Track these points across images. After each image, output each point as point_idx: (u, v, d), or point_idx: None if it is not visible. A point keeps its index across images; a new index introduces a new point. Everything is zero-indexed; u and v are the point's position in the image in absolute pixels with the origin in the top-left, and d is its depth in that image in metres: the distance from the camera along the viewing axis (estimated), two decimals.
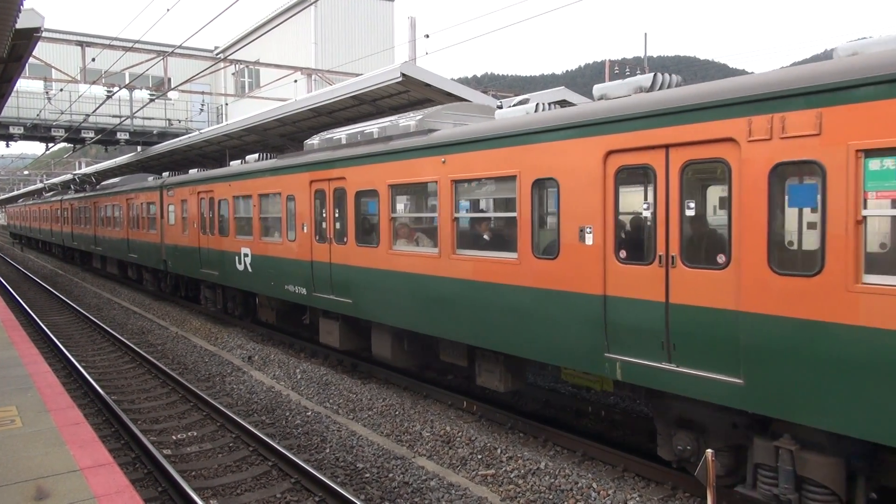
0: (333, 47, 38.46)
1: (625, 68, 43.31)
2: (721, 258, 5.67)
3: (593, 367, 6.82)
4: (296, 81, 29.48)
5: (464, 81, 27.65)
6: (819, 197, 5.00)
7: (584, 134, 6.70)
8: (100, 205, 26.88)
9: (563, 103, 8.18)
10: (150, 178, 22.48)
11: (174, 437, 8.77)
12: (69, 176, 40.17)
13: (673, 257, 5.95)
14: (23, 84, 24.07)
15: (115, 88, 24.00)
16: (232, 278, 14.98)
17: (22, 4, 9.81)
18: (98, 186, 29.66)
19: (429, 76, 13.49)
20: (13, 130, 27.53)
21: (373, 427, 9.09)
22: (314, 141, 12.12)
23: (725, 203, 5.67)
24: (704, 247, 6.07)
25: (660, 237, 6.04)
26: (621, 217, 6.60)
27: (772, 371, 5.28)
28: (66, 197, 34.61)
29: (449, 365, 10.17)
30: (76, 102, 25.99)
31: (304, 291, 11.93)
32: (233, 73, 42.68)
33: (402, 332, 9.97)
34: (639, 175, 6.40)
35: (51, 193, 42.35)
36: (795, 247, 5.77)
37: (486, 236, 8.59)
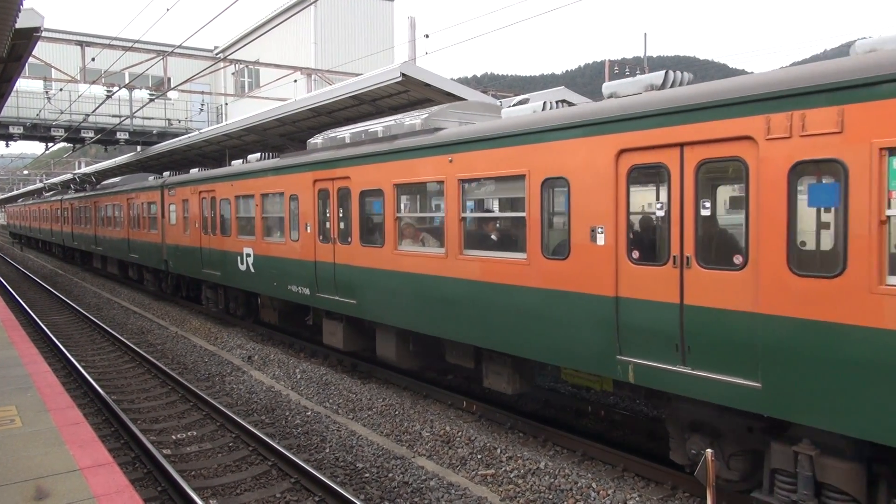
0: (333, 47, 38.44)
1: (625, 68, 43.29)
2: (738, 259, 5.56)
3: (605, 370, 6.71)
4: (295, 81, 29.48)
5: (464, 81, 27.64)
6: (841, 196, 4.88)
7: (596, 132, 6.59)
8: (100, 204, 26.86)
9: (563, 103, 8.12)
10: (151, 178, 22.44)
11: (174, 437, 8.76)
12: (69, 175, 40.16)
13: (688, 258, 5.84)
14: (22, 84, 24.07)
15: (115, 88, 24.00)
16: (234, 279, 14.93)
17: (22, 4, 9.81)
18: (98, 186, 29.64)
19: (429, 76, 13.49)
20: (13, 130, 27.54)
21: (372, 427, 9.09)
22: (317, 140, 12.05)
23: (742, 202, 5.56)
24: (720, 247, 5.98)
25: (674, 237, 5.93)
26: (634, 217, 6.50)
27: (791, 374, 5.17)
28: (66, 196, 34.59)
29: (449, 365, 10.16)
30: (76, 102, 25.98)
31: (307, 292, 11.87)
32: (232, 73, 42.66)
33: (407, 333, 9.90)
34: (652, 174, 6.31)
35: (51, 193, 42.32)
36: (816, 247, 5.69)
37: (493, 236, 8.48)
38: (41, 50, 18.56)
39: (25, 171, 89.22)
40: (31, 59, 14.71)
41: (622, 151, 6.33)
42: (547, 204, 7.31)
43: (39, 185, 59.11)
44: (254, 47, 35.84)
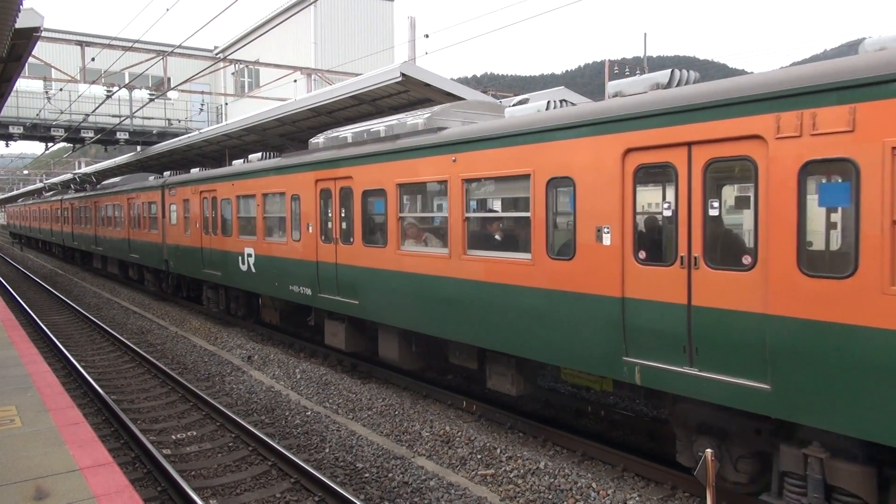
0: (333, 47, 38.44)
1: (624, 68, 43.29)
2: (747, 259, 5.50)
3: (611, 371, 6.64)
4: (295, 81, 29.48)
5: (463, 81, 27.65)
6: (852, 196, 4.82)
7: (602, 131, 6.54)
8: (100, 204, 26.85)
9: (563, 103, 8.09)
10: (152, 178, 22.41)
11: (174, 437, 8.76)
12: (69, 175, 40.16)
13: (695, 258, 5.77)
14: (22, 84, 24.08)
15: (115, 88, 24.00)
16: (235, 279, 14.89)
17: (21, 4, 9.81)
18: (98, 186, 29.63)
19: (428, 76, 13.49)
20: (13, 130, 27.56)
21: (372, 427, 9.09)
22: (319, 140, 12.00)
23: (751, 202, 5.51)
24: (729, 247, 5.93)
25: (681, 237, 5.87)
26: (640, 217, 6.45)
27: (801, 376, 5.11)
28: (66, 196, 34.59)
29: (450, 365, 10.16)
30: (76, 102, 25.98)
31: (308, 292, 11.82)
32: (232, 73, 42.67)
33: (409, 333, 9.86)
34: (659, 173, 6.25)
35: (51, 193, 42.32)
36: (827, 248, 5.61)
37: (498, 236, 8.42)
38: (41, 50, 18.57)
39: (25, 171, 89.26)
40: (30, 59, 14.71)
41: (628, 151, 6.27)
42: (552, 204, 7.24)
43: (39, 184, 59.11)
44: (254, 47, 35.84)
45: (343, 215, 10.86)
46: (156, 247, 20.13)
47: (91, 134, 27.63)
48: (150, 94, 27.07)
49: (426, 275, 8.95)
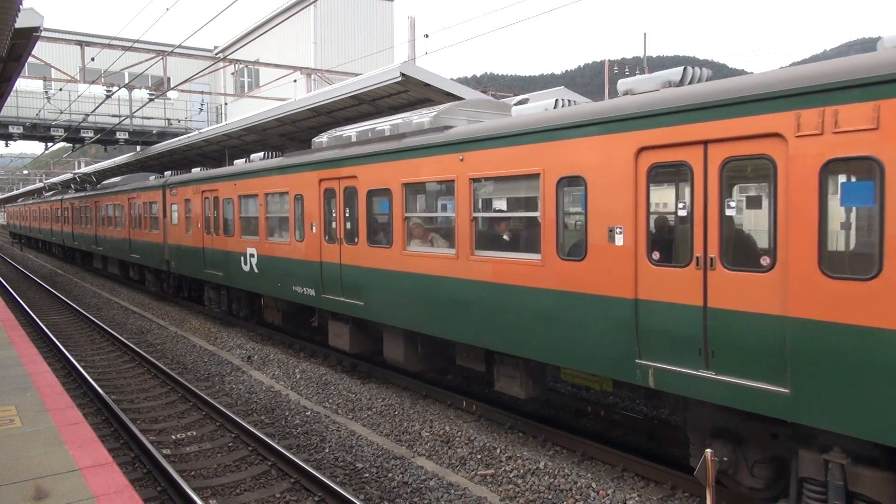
0: (333, 47, 38.45)
1: (624, 68, 43.30)
2: (765, 260, 5.37)
3: (623, 374, 6.50)
4: (295, 81, 29.47)
5: (463, 81, 27.66)
6: (876, 195, 4.69)
7: (614, 130, 6.41)
8: (101, 204, 26.84)
9: (571, 102, 8.00)
10: (153, 178, 22.39)
11: (173, 437, 8.76)
12: (69, 175, 40.16)
13: (712, 259, 5.65)
14: (22, 83, 24.09)
15: (115, 88, 24.00)
16: (237, 279, 14.82)
17: (21, 4, 9.80)
18: (99, 186, 29.64)
19: (428, 76, 13.48)
20: (12, 130, 27.56)
21: (372, 427, 9.09)
22: (322, 139, 11.92)
23: (770, 202, 5.38)
24: (746, 248, 5.84)
25: (697, 238, 5.75)
26: (654, 216, 6.33)
27: (822, 380, 4.98)
28: (66, 196, 34.58)
29: (450, 365, 10.16)
30: (75, 102, 25.98)
31: (312, 293, 11.72)
32: (232, 73, 42.68)
33: (415, 335, 9.73)
34: (674, 172, 6.14)
35: (51, 193, 42.32)
36: (849, 248, 5.47)
37: (506, 237, 8.30)
38: (41, 50, 18.56)
39: (25, 171, 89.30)
40: (30, 59, 14.71)
41: (642, 149, 6.16)
42: (562, 203, 7.13)
43: (39, 184, 59.12)
44: (253, 47, 35.86)
45: (347, 215, 10.75)
46: (157, 247, 20.11)
47: (91, 134, 27.63)
48: (150, 94, 27.07)
49: (433, 275, 8.84)
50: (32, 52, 13.53)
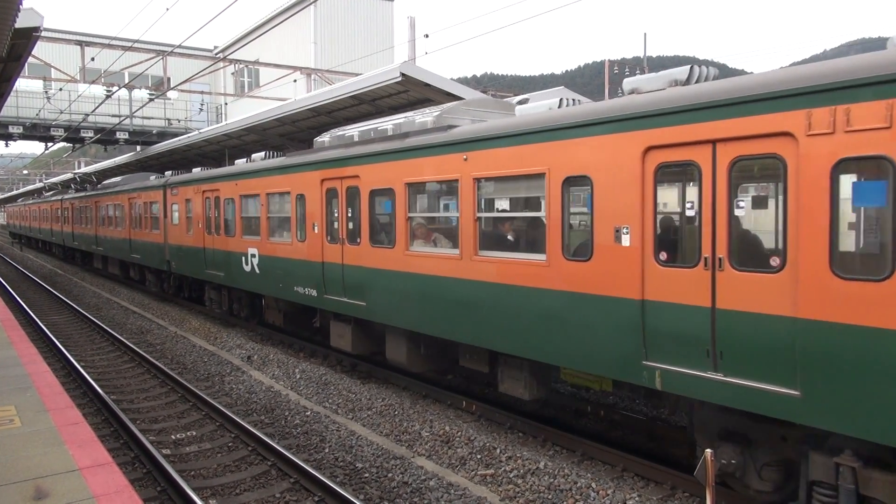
0: (333, 47, 38.47)
1: (624, 68, 43.31)
2: (775, 261, 5.31)
3: (629, 376, 6.44)
4: (295, 81, 29.48)
5: (463, 81, 27.65)
6: (889, 195, 4.64)
7: (621, 129, 6.34)
8: (101, 204, 26.84)
9: (575, 101, 7.96)
10: (153, 177, 22.37)
11: (173, 437, 8.76)
12: (70, 175, 40.16)
13: (720, 259, 5.58)
14: (22, 83, 24.08)
15: (115, 88, 24.00)
16: (238, 280, 14.77)
17: (21, 4, 9.80)
18: (99, 186, 29.65)
19: (428, 76, 13.48)
20: (12, 130, 27.56)
21: (372, 427, 9.09)
22: (325, 139, 11.87)
23: (780, 202, 5.32)
24: (755, 249, 5.80)
25: (705, 238, 5.68)
26: (662, 216, 6.27)
27: (834, 383, 4.91)
28: (66, 196, 34.59)
29: (451, 366, 10.16)
30: (75, 102, 25.98)
31: (314, 293, 11.67)
32: (232, 73, 42.70)
33: (418, 336, 9.65)
34: (681, 172, 6.08)
35: (51, 193, 42.33)
36: (861, 249, 5.37)
37: (511, 237, 8.26)
38: (41, 50, 18.56)
39: (25, 171, 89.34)
40: (30, 59, 14.71)
41: (649, 149, 6.10)
42: (568, 203, 7.06)
43: (39, 184, 59.13)
44: (253, 47, 35.87)
45: (350, 215, 10.68)
46: (157, 247, 20.10)
47: (91, 134, 27.63)
48: (150, 94, 27.08)
49: (436, 276, 8.77)
50: (32, 52, 13.53)
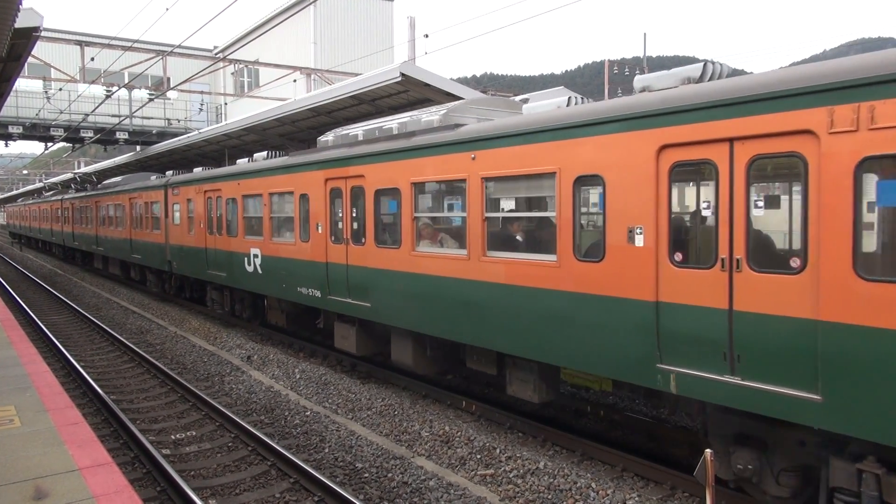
0: (333, 47, 38.48)
1: (624, 68, 43.34)
2: (795, 262, 5.18)
3: (643, 379, 6.33)
4: (295, 81, 29.48)
5: (463, 81, 27.66)
6: None
7: (635, 127, 6.21)
8: (102, 204, 26.82)
9: (584, 99, 7.90)
10: (154, 177, 22.34)
11: (173, 437, 8.76)
12: (70, 175, 40.16)
13: (738, 260, 5.47)
14: (22, 83, 24.09)
15: (115, 88, 24.00)
16: (240, 280, 14.69)
17: (21, 4, 9.80)
18: (99, 185, 29.64)
19: (428, 76, 13.47)
20: (12, 130, 27.55)
21: (372, 427, 9.09)
22: (328, 138, 11.79)
23: (801, 201, 5.17)
24: (775, 250, 5.72)
25: (722, 239, 5.57)
26: (676, 216, 6.18)
27: (857, 387, 4.78)
28: (66, 196, 34.58)
29: (452, 366, 10.15)
30: (75, 102, 25.98)
31: (317, 294, 11.57)
32: (232, 73, 42.71)
33: (424, 337, 9.57)
34: (697, 171, 5.97)
35: (51, 193, 42.33)
36: (887, 250, 5.23)
37: (520, 237, 8.13)
38: (40, 49, 18.55)
39: (25, 171, 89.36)
40: (30, 59, 14.70)
41: (664, 147, 5.98)
42: (579, 203, 6.95)
43: (39, 184, 59.14)
44: (253, 47, 35.88)
45: (354, 215, 10.59)
46: (158, 247, 20.07)
47: (90, 134, 27.62)
48: (150, 94, 27.08)
49: (443, 277, 8.67)
50: (32, 52, 13.52)
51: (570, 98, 7.79)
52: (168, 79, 26.49)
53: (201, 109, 33.49)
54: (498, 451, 7.91)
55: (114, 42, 24.00)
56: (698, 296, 5.77)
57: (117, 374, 12.27)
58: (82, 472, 5.36)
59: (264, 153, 14.59)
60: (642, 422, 8.74)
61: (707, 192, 5.86)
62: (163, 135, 29.59)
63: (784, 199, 5.95)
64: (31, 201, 51.95)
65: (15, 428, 6.44)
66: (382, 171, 9.80)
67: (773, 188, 6.10)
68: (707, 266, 5.74)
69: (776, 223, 5.92)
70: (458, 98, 13.13)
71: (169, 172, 21.70)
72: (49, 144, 31.83)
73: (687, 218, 6.39)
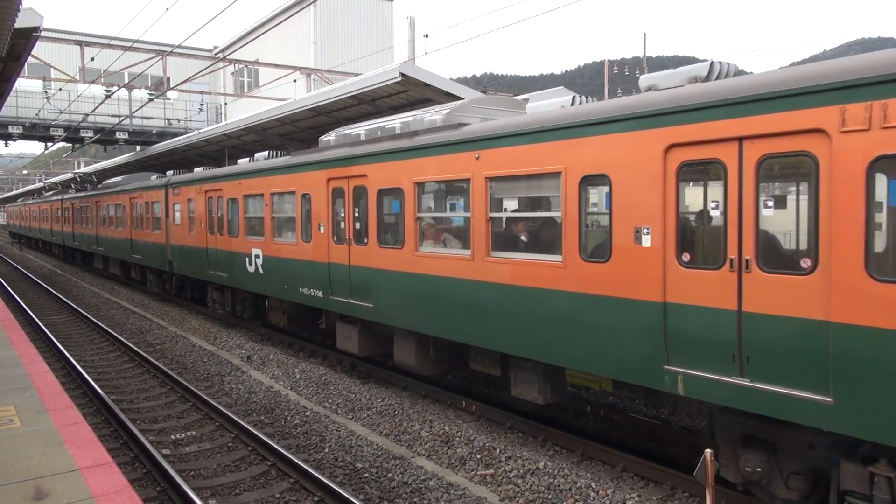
0: (333, 47, 38.48)
1: (624, 68, 43.35)
2: (806, 262, 5.12)
3: (650, 381, 6.27)
4: (295, 81, 29.48)
5: (463, 81, 27.67)
6: None
7: (642, 126, 6.15)
8: (102, 204, 26.81)
9: (589, 99, 7.86)
10: (154, 177, 22.32)
11: (173, 437, 8.76)
12: (70, 175, 40.16)
13: (747, 261, 5.40)
14: (22, 83, 24.09)
15: (114, 88, 24.00)
16: (242, 280, 14.64)
17: (21, 3, 9.80)
18: (100, 185, 29.64)
19: (428, 76, 13.48)
20: (12, 130, 27.56)
21: (372, 427, 9.09)
22: (330, 137, 11.75)
23: (811, 201, 5.12)
24: (785, 250, 5.68)
25: (731, 239, 5.51)
26: (685, 217, 6.10)
27: (870, 389, 4.71)
28: (66, 196, 34.58)
29: (452, 366, 10.14)
30: (75, 102, 25.98)
31: (319, 294, 11.52)
32: (232, 73, 42.71)
33: (427, 338, 9.52)
34: (706, 170, 5.92)
35: (51, 193, 42.33)
36: None
37: (524, 238, 8.06)
38: (40, 49, 18.56)
39: (24, 171, 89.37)
40: (30, 59, 14.71)
41: (671, 146, 5.92)
42: (585, 203, 6.88)
43: (39, 184, 59.15)
44: (253, 47, 35.89)
45: (356, 215, 10.53)
46: (159, 247, 20.05)
47: (90, 134, 27.63)
48: (150, 94, 27.07)
49: (446, 277, 8.61)
50: (32, 52, 13.53)
51: (574, 97, 7.76)
52: (168, 79, 26.50)
53: (201, 109, 33.48)
54: (498, 451, 7.92)
55: (114, 42, 24.01)
56: (707, 297, 5.72)
57: (117, 374, 12.27)
58: (82, 472, 5.36)
59: (265, 153, 14.55)
60: (642, 422, 8.74)
61: (715, 191, 5.81)
62: (163, 135, 29.59)
63: (793, 198, 5.89)
64: (31, 201, 51.96)
65: (15, 428, 6.44)
66: (385, 170, 9.75)
67: (782, 188, 6.03)
68: (716, 267, 5.69)
69: (786, 223, 5.86)
70: (458, 98, 13.13)
71: (169, 172, 21.69)
72: (49, 144, 31.84)
73: (695, 218, 6.28)
